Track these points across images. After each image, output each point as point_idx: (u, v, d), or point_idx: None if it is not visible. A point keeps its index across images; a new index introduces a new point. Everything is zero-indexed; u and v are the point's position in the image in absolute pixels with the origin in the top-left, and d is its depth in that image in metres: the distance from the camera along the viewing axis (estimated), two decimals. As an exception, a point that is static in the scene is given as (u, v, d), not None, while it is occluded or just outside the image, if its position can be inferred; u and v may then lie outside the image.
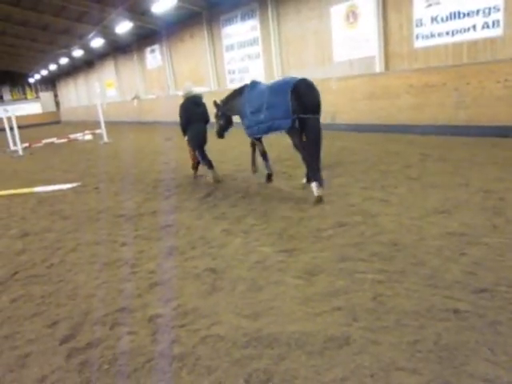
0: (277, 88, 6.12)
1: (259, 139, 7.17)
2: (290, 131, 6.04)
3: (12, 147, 16.79)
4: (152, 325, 3.18)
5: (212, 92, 19.71)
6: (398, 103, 10.91)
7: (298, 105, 5.73)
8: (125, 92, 30.00)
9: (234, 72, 18.68)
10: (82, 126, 28.05)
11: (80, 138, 18.61)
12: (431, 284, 3.32)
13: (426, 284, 3.33)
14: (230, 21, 18.06)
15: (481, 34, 9.75)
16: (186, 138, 7.81)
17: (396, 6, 11.42)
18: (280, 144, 10.88)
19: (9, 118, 16.84)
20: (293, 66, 15.60)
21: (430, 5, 10.57)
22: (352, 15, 12.68)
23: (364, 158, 8.22)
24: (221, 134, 7.90)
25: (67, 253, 4.87)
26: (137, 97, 26.90)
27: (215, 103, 7.67)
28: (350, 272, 3.63)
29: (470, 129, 9.16)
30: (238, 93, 7.14)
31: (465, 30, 10.04)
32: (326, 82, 13.45)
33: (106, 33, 23.29)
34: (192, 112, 7.61)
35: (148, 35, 23.98)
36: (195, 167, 8.21)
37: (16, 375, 2.80)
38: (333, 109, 13.00)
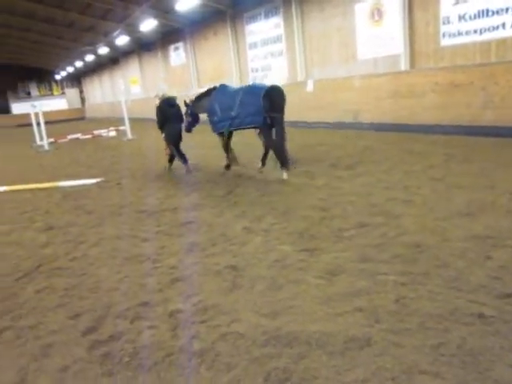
0: (250, 90, 7.45)
1: (228, 136, 8.07)
2: (262, 127, 7.28)
3: (38, 142, 17.16)
4: (172, 320, 3.20)
5: (234, 90, 19.79)
6: (423, 102, 10.73)
7: (269, 105, 7.02)
8: (148, 89, 30.31)
9: (257, 70, 18.67)
10: (107, 122, 28.49)
11: (104, 134, 18.90)
12: (455, 287, 3.25)
13: (449, 287, 3.26)
14: (253, 18, 18.05)
15: (510, 33, 9.50)
16: (163, 135, 8.77)
17: (422, 4, 11.23)
18: (301, 143, 10.86)
19: (36, 114, 17.22)
20: (316, 63, 15.51)
21: (457, 2, 10.35)
22: (377, 13, 12.51)
23: (386, 157, 8.12)
24: (189, 128, 8.98)
25: (90, 247, 4.95)
26: (157, 95, 27.11)
27: (185, 103, 8.80)
28: (371, 273, 3.59)
29: (498, 129, 8.94)
30: (207, 94, 8.34)
31: (493, 28, 9.79)
32: (349, 80, 13.35)
33: (131, 30, 23.58)
34: (167, 112, 8.50)
35: (172, 33, 24.17)
36: (170, 161, 9.04)
37: (39, 364, 2.86)
38: (355, 107, 12.89)
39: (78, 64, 37.01)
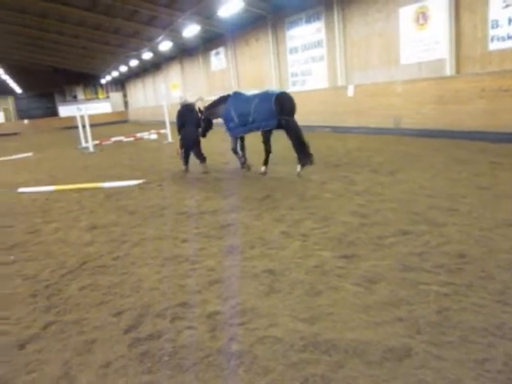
0: (264, 97, 8.19)
1: (241, 138, 9.03)
2: (275, 129, 8.19)
3: (84, 144, 17.79)
4: (211, 321, 3.24)
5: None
6: (469, 108, 10.40)
7: (280, 109, 7.85)
8: (189, 93, 30.85)
9: (296, 74, 18.67)
10: (148, 125, 29.22)
11: (146, 137, 19.40)
12: (501, 300, 3.13)
13: (495, 300, 3.14)
14: (294, 23, 18.07)
15: None
16: (179, 137, 9.57)
17: (470, 7, 10.90)
18: (340, 148, 10.76)
19: (81, 117, 17.88)
20: (357, 68, 15.34)
21: (507, 5, 9.98)
22: (422, 17, 12.25)
23: (430, 164, 7.91)
24: (203, 134, 9.70)
25: (132, 246, 5.08)
26: (200, 98, 27.56)
27: (199, 110, 9.67)
28: (412, 282, 3.50)
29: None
30: (222, 101, 9.16)
31: (546, 32, 9.39)
32: (390, 86, 13.14)
33: (174, 36, 24.09)
34: (186, 117, 9.39)
35: (213, 38, 24.55)
36: (185, 163, 9.68)
37: (83, 359, 2.96)
38: (397, 113, 12.66)
39: (123, 69, 38.14)
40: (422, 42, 12.43)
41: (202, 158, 9.59)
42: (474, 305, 3.10)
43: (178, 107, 9.75)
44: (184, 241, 5.08)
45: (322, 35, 16.59)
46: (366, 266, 3.92)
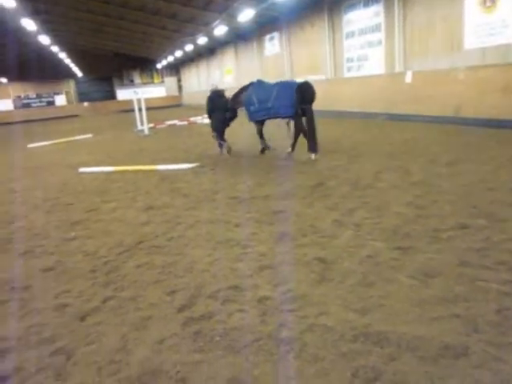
0: (285, 85, 8.91)
1: (261, 123, 9.54)
2: (295, 116, 8.55)
3: (139, 127, 18.34)
4: (261, 306, 3.27)
5: (328, 80, 19.49)
6: (539, 97, 9.74)
7: (301, 98, 8.37)
8: (242, 79, 30.91)
9: (352, 60, 18.20)
10: (201, 109, 29.59)
11: (199, 121, 19.70)
12: None
13: None
14: (352, 7, 17.57)
15: None
16: (210, 122, 10.36)
17: (546, -13, 10.13)
18: (396, 137, 10.44)
19: (138, 100, 18.41)
20: (416, 54, 14.73)
21: None
22: (490, -2, 11.53)
23: (492, 156, 7.52)
24: (228, 123, 10.23)
25: (186, 228, 5.21)
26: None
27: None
28: (471, 278, 3.37)
29: None
30: (244, 89, 9.78)
31: None
32: (452, 72, 12.54)
33: (229, 21, 24.12)
34: (216, 102, 10.05)
35: (268, 23, 24.35)
36: (220, 146, 10.32)
37: (139, 334, 3.08)
38: (457, 101, 12.07)
39: (178, 53, 38.72)
40: (489, 25, 11.71)
41: (223, 141, 10.27)
42: (539, 306, 2.94)
43: (208, 93, 10.45)
44: (236, 225, 5.14)
45: (381, 19, 16.04)
46: (422, 258, 3.80)
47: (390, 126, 12.88)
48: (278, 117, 9.02)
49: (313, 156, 8.51)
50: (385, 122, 14.23)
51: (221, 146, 10.27)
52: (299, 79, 19.50)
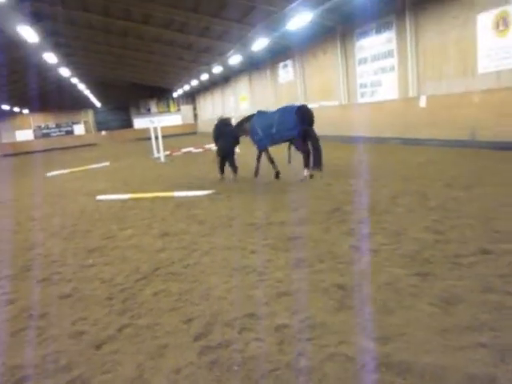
0: (286, 110, 9.68)
1: (266, 149, 10.16)
2: (297, 138, 9.26)
3: (156, 154, 18.60)
4: (279, 334, 3.21)
5: (342, 105, 19.61)
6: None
7: (301, 120, 9.11)
8: (256, 105, 31.31)
9: (365, 86, 18.33)
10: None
11: (214, 148, 19.88)
12: None
13: None
14: (364, 34, 17.81)
15: None
16: (216, 148, 10.97)
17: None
18: (411, 161, 10.38)
19: (154, 128, 18.74)
20: (429, 78, 14.78)
21: None
22: (503, 22, 11.58)
23: (511, 179, 7.40)
24: (233, 149, 10.71)
25: (202, 255, 5.19)
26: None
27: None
28: (496, 306, 3.26)
29: None
30: (248, 119, 10.53)
31: None
32: (466, 96, 12.51)
33: (243, 50, 24.64)
34: (222, 130, 10.61)
35: (281, 51, 24.80)
36: (221, 171, 10.83)
37: (155, 363, 3.04)
38: (473, 124, 11.99)
39: (194, 82, 39.51)
40: (502, 49, 11.73)
41: (234, 167, 10.60)
42: None
43: (216, 122, 11.08)
44: (252, 252, 5.11)
45: (393, 45, 16.21)
46: (443, 285, 3.71)
47: (405, 151, 12.83)
48: (283, 140, 9.68)
49: (305, 172, 9.32)
50: (399, 146, 14.19)
51: (222, 171, 10.80)
52: (312, 105, 19.68)
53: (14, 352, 3.37)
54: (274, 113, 9.92)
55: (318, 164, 9.07)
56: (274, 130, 9.42)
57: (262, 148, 10.14)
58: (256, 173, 10.47)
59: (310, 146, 9.23)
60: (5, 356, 3.32)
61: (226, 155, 10.61)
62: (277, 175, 10.12)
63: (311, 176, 9.39)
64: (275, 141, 9.71)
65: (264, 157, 10.33)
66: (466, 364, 2.64)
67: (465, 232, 5.00)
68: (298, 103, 10.01)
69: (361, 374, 2.66)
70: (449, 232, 5.06)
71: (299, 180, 9.39)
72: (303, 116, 9.19)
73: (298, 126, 9.08)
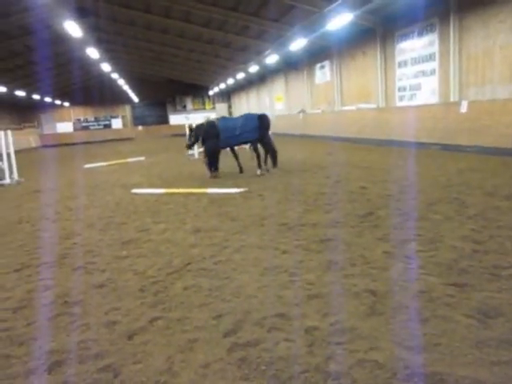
0: (249, 116, 11.65)
1: (219, 151, 11.66)
2: (255, 141, 11.38)
3: (190, 151, 18.79)
4: (309, 336, 3.18)
5: (379, 108, 19.30)
6: None
7: (260, 125, 11.17)
8: (292, 106, 31.22)
9: (404, 89, 18.00)
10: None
11: (246, 146, 19.93)
12: None
13: None
14: (405, 36, 17.48)
15: None
16: (203, 148, 11.87)
17: None
18: (451, 168, 10.12)
19: (189, 125, 18.95)
20: (472, 83, 14.37)
21: None
22: (553, 28, 11.12)
23: (557, 190, 7.09)
24: (190, 147, 13.08)
25: (233, 252, 5.22)
26: (303, 111, 27.77)
27: (190, 127, 12.84)
28: (536, 321, 3.14)
29: None
30: (212, 125, 11.58)
31: None
32: (510, 103, 12.07)
33: (280, 50, 24.63)
34: (209, 132, 11.40)
35: (319, 51, 24.64)
36: (210, 169, 11.60)
37: (184, 357, 3.06)
38: (518, 132, 11.57)
39: (230, 81, 39.81)
40: (552, 55, 11.27)
41: (216, 167, 11.59)
42: None
43: (203, 124, 12.00)
44: (284, 252, 5.09)
45: (435, 48, 15.84)
46: (480, 297, 3.59)
47: (444, 157, 12.50)
48: (244, 141, 11.63)
49: (258, 171, 11.22)
50: (438, 152, 13.83)
51: (211, 170, 11.54)
52: (349, 107, 19.54)
53: (50, 337, 3.47)
54: (238, 118, 11.82)
55: (274, 162, 11.43)
56: (237, 132, 11.09)
57: (222, 146, 11.65)
58: (211, 173, 11.65)
59: (264, 148, 11.49)
60: (41, 340, 3.43)
61: (214, 154, 11.48)
62: (240, 170, 11.87)
63: (264, 172, 11.29)
64: (239, 141, 11.47)
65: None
66: (503, 380, 2.55)
67: (504, 243, 4.83)
68: (257, 113, 12.04)
69: (391, 382, 2.60)
70: (488, 242, 4.90)
71: (256, 175, 11.18)
72: (263, 122, 11.25)
73: (258, 130, 11.10)
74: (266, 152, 11.60)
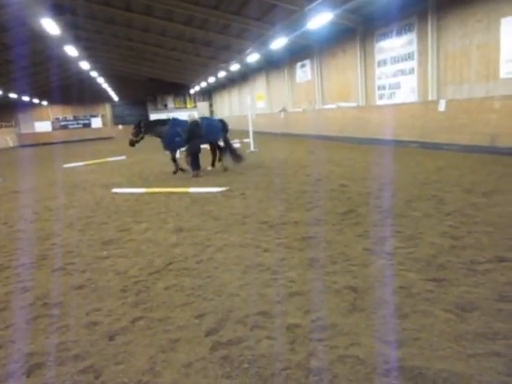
0: (211, 120, 13.26)
1: (175, 151, 12.41)
2: (218, 140, 12.34)
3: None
4: (290, 333, 3.21)
5: (360, 107, 19.49)
6: None
7: (223, 127, 12.30)
8: (273, 104, 31.29)
9: (384, 88, 18.21)
10: (232, 134, 29.97)
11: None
12: None
13: None
14: (384, 35, 17.68)
15: None
16: (187, 147, 11.89)
17: None
18: (429, 166, 10.28)
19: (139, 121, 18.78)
20: (450, 82, 14.62)
21: None
22: (527, 28, 11.39)
23: (531, 187, 7.28)
24: (133, 144, 12.34)
25: (215, 251, 5.21)
26: (284, 109, 27.85)
27: (139, 123, 12.23)
28: (511, 314, 3.22)
29: None
30: (160, 123, 12.20)
31: None
32: (487, 101, 12.32)
33: (262, 48, 24.65)
34: (194, 130, 11.59)
35: (300, 50, 24.74)
36: (193, 168, 11.73)
37: (167, 356, 3.06)
38: (493, 130, 11.81)
39: (211, 79, 39.66)
40: (527, 54, 11.54)
41: (197, 166, 11.80)
42: None
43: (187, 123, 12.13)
44: (266, 250, 5.11)
45: (414, 47, 16.07)
46: (458, 292, 3.67)
47: (423, 155, 12.70)
48: (210, 141, 12.19)
49: (209, 168, 12.44)
50: (417, 150, 14.04)
51: (194, 169, 11.70)
52: (330, 106, 19.66)
53: (29, 339, 3.42)
54: (201, 121, 12.08)
55: (238, 159, 12.30)
56: (202, 133, 11.68)
57: (180, 148, 12.60)
58: (175, 170, 12.15)
59: (224, 145, 12.33)
60: (20, 342, 3.38)
61: (197, 152, 11.82)
62: (175, 171, 12.20)
63: (225, 169, 12.10)
64: (204, 142, 12.00)
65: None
66: (479, 372, 2.61)
67: (482, 239, 4.94)
68: (217, 117, 12.92)
69: (371, 376, 2.64)
70: (465, 238, 5.00)
71: (207, 170, 12.36)
72: (224, 125, 12.40)
73: (220, 132, 12.14)
74: (228, 150, 12.39)
